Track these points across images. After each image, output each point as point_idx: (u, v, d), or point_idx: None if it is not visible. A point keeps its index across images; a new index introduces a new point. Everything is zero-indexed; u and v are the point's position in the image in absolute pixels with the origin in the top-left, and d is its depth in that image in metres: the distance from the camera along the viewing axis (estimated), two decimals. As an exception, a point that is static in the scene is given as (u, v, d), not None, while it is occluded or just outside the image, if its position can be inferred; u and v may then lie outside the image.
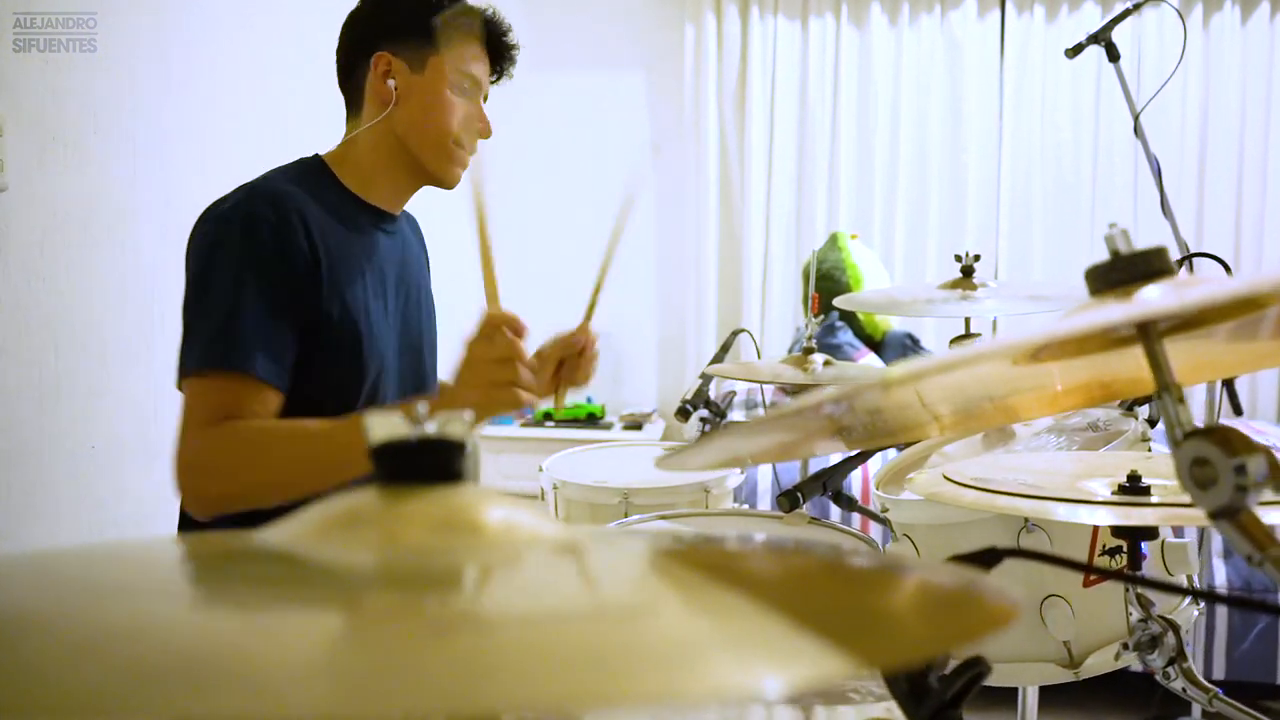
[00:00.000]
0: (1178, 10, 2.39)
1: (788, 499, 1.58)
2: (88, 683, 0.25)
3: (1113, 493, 0.94)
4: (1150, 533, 0.92)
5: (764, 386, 2.62)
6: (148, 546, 0.43)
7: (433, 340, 1.55)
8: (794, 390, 2.15)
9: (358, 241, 1.36)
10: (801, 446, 0.79)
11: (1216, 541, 2.70)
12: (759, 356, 2.33)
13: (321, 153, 1.42)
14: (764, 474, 2.78)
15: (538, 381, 1.40)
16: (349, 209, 1.38)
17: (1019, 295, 1.88)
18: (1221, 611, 2.63)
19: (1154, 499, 0.89)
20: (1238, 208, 3.77)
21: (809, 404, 0.63)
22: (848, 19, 3.84)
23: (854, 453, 1.70)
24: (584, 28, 3.97)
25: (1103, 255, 0.58)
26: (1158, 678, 0.92)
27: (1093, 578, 1.23)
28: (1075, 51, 2.25)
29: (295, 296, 1.25)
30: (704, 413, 2.00)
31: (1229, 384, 2.37)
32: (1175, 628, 0.91)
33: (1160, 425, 1.37)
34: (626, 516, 1.78)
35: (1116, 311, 0.52)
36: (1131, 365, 0.79)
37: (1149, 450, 1.32)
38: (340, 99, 1.44)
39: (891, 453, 1.82)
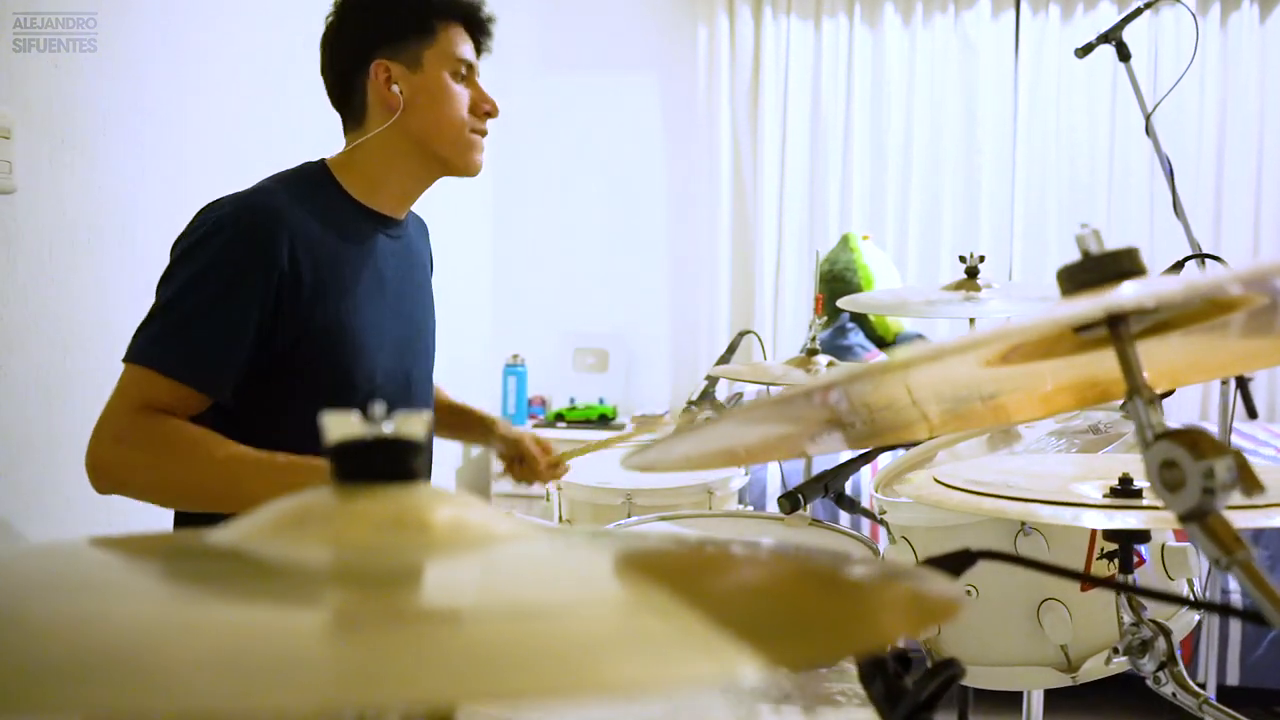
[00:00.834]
0: (1190, 10, 2.36)
1: (789, 501, 1.58)
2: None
3: (1104, 495, 0.93)
4: (1141, 536, 0.91)
5: (770, 388, 2.61)
6: (86, 545, 0.44)
7: (431, 346, 1.56)
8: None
9: (356, 249, 1.38)
10: (781, 448, 0.79)
11: (1231, 546, 2.68)
12: (765, 358, 2.33)
13: (327, 157, 1.43)
14: (772, 476, 2.77)
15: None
16: (349, 216, 1.39)
17: (1024, 296, 1.87)
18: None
19: (1145, 502, 0.89)
20: (1256, 208, 3.73)
21: (774, 399, 0.63)
22: (861, 19, 3.83)
23: (856, 454, 1.69)
24: (596, 29, 3.97)
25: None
26: (1148, 682, 0.91)
27: (1107, 576, 1.22)
28: (1085, 51, 2.23)
29: (262, 309, 1.27)
30: (710, 414, 2.00)
31: (1243, 386, 2.34)
32: (1166, 632, 0.90)
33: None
34: (629, 517, 1.78)
35: (1060, 310, 0.52)
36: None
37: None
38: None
39: (893, 455, 1.82)
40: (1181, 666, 0.88)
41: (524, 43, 3.95)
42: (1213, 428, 3.27)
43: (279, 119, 2.28)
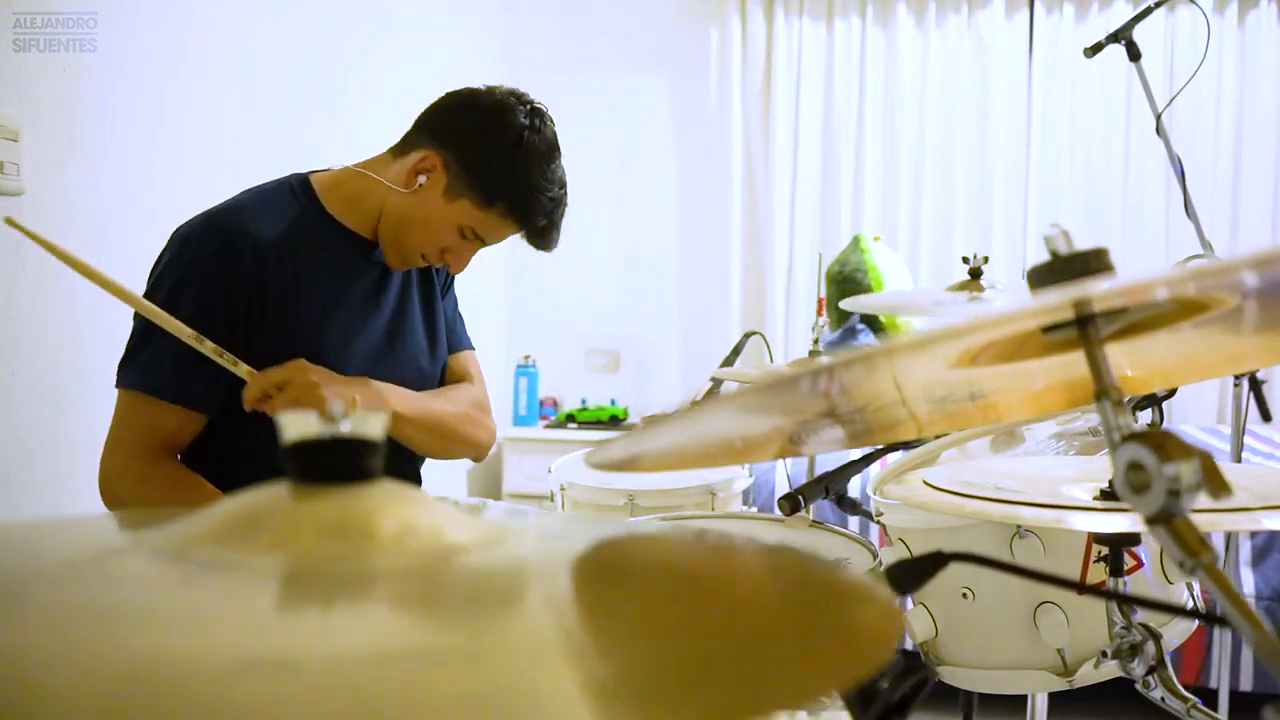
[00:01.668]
0: (1202, 9, 2.34)
1: (789, 502, 1.58)
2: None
3: (1094, 498, 0.92)
4: (1130, 539, 0.90)
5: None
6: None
7: (423, 361, 1.54)
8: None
9: (330, 266, 1.40)
10: (777, 441, 0.78)
11: (1245, 550, 2.64)
12: (771, 359, 2.32)
13: (313, 172, 1.46)
14: (779, 478, 2.77)
15: None
16: (325, 234, 1.42)
17: (1027, 296, 1.85)
18: (1249, 621, 2.58)
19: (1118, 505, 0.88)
20: (1274, 207, 3.69)
21: (763, 383, 0.62)
22: (873, 20, 3.82)
23: (858, 456, 1.69)
24: (608, 31, 3.98)
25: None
26: (1138, 686, 0.91)
27: (1097, 582, 1.21)
28: (1094, 50, 2.21)
29: (232, 325, 1.31)
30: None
31: (1257, 389, 2.32)
32: (1156, 636, 0.89)
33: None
34: (631, 517, 1.78)
35: (1020, 304, 0.52)
36: (1119, 366, 0.78)
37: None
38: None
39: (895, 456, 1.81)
40: (1170, 670, 0.87)
41: (536, 44, 3.96)
42: (1227, 430, 3.24)
43: (284, 119, 2.30)
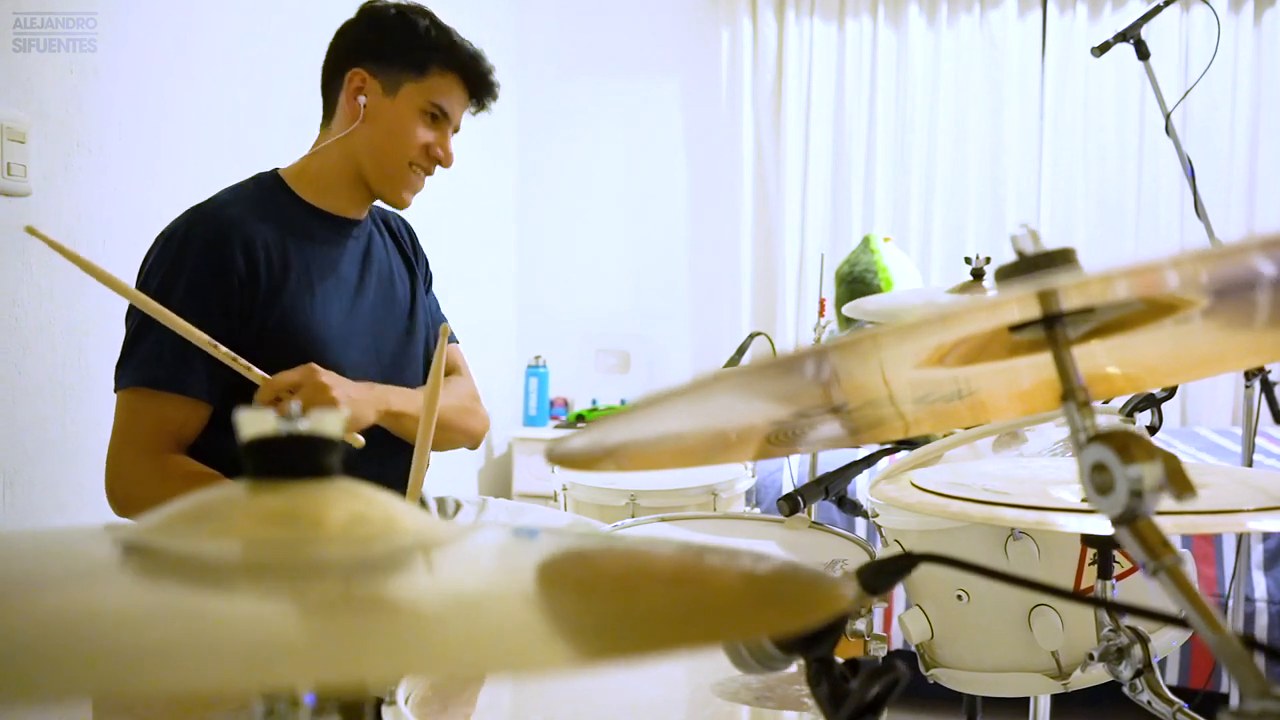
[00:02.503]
0: (1213, 9, 2.32)
1: (788, 503, 1.58)
2: None
3: (1082, 500, 0.92)
4: (1116, 542, 0.90)
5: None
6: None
7: (408, 338, 1.58)
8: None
9: (312, 251, 1.43)
10: (773, 432, 0.77)
11: (1256, 553, 2.62)
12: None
13: (281, 167, 1.50)
14: (786, 479, 2.76)
15: None
16: (304, 220, 1.45)
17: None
18: (1261, 624, 2.55)
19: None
20: (1290, 208, 3.65)
21: (752, 366, 0.62)
22: (885, 20, 3.80)
23: (859, 457, 1.69)
24: (619, 32, 3.98)
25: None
26: (1125, 690, 0.90)
27: (1084, 586, 1.21)
28: (1102, 50, 2.20)
29: (227, 314, 1.33)
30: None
31: (1268, 389, 2.30)
32: (1143, 639, 0.89)
33: (1160, 431, 1.34)
34: (632, 517, 1.79)
35: (982, 297, 0.51)
36: (1092, 364, 0.78)
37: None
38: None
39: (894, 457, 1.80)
40: (1157, 674, 0.87)
41: (546, 47, 3.97)
42: (1238, 431, 3.20)
43: (289, 117, 2.31)
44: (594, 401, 3.90)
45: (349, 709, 0.47)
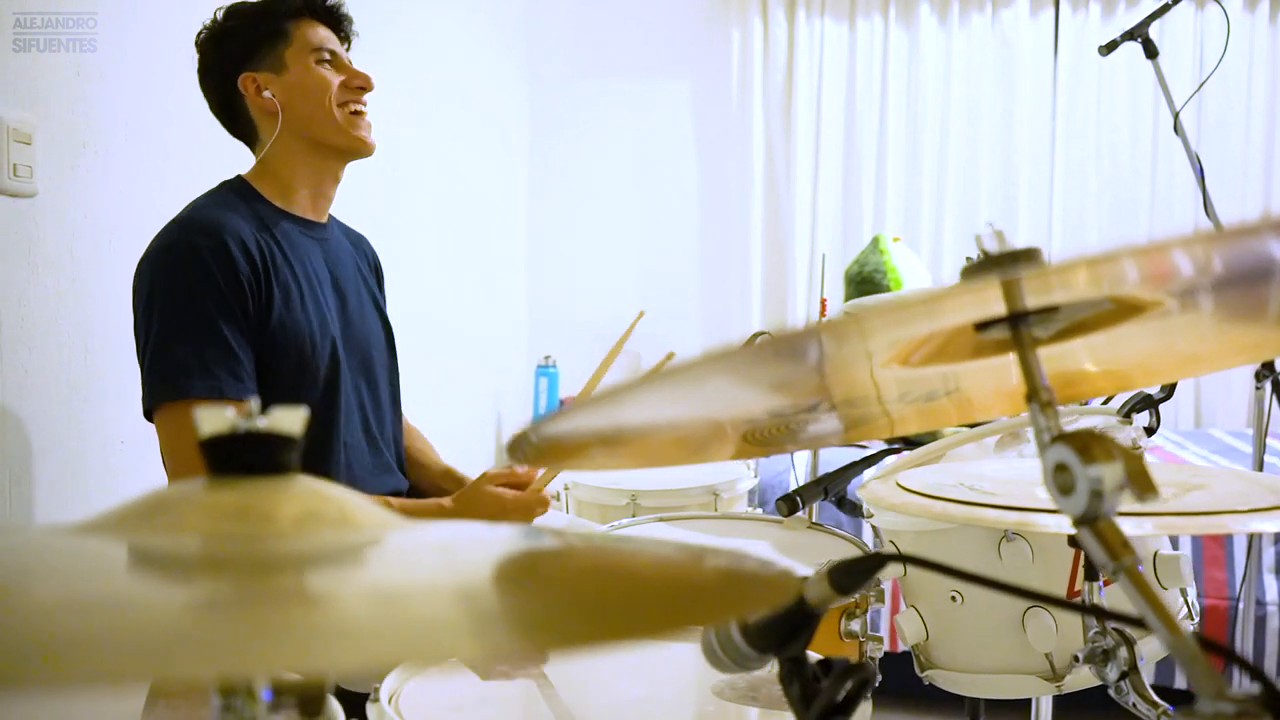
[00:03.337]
0: (1223, 7, 2.31)
1: (787, 503, 1.58)
2: None
3: (1069, 501, 0.91)
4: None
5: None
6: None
7: (380, 338, 1.63)
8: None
9: (294, 253, 1.46)
10: (771, 425, 0.77)
11: (1268, 556, 2.59)
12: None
13: (243, 173, 1.54)
14: (793, 480, 2.75)
15: None
16: (277, 221, 1.48)
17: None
18: (1272, 628, 2.53)
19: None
20: (1306, 209, 3.62)
21: (742, 346, 0.62)
22: (896, 19, 3.79)
23: (859, 457, 1.68)
24: (630, 33, 3.99)
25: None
26: (1111, 692, 0.89)
27: (1078, 588, 1.20)
28: (1109, 48, 2.19)
29: (244, 313, 1.35)
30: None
31: (1279, 390, 2.28)
32: (1129, 641, 0.88)
33: (1158, 432, 1.33)
34: (634, 517, 1.79)
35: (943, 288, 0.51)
36: (1073, 362, 0.77)
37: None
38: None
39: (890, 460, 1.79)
40: (1143, 676, 0.86)
41: (557, 47, 3.98)
42: (1249, 432, 3.17)
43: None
44: (604, 402, 3.90)
45: (307, 703, 0.48)
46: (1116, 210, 3.71)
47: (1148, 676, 0.85)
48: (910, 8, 3.79)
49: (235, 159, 2.12)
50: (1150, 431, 1.31)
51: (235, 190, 1.50)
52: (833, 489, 1.63)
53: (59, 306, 1.71)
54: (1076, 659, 0.93)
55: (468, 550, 0.42)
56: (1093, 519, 0.52)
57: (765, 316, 3.93)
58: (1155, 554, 1.21)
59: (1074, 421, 1.48)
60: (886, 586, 1.51)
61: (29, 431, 1.68)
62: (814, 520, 1.70)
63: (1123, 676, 0.87)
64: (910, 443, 2.39)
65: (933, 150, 3.79)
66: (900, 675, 1.72)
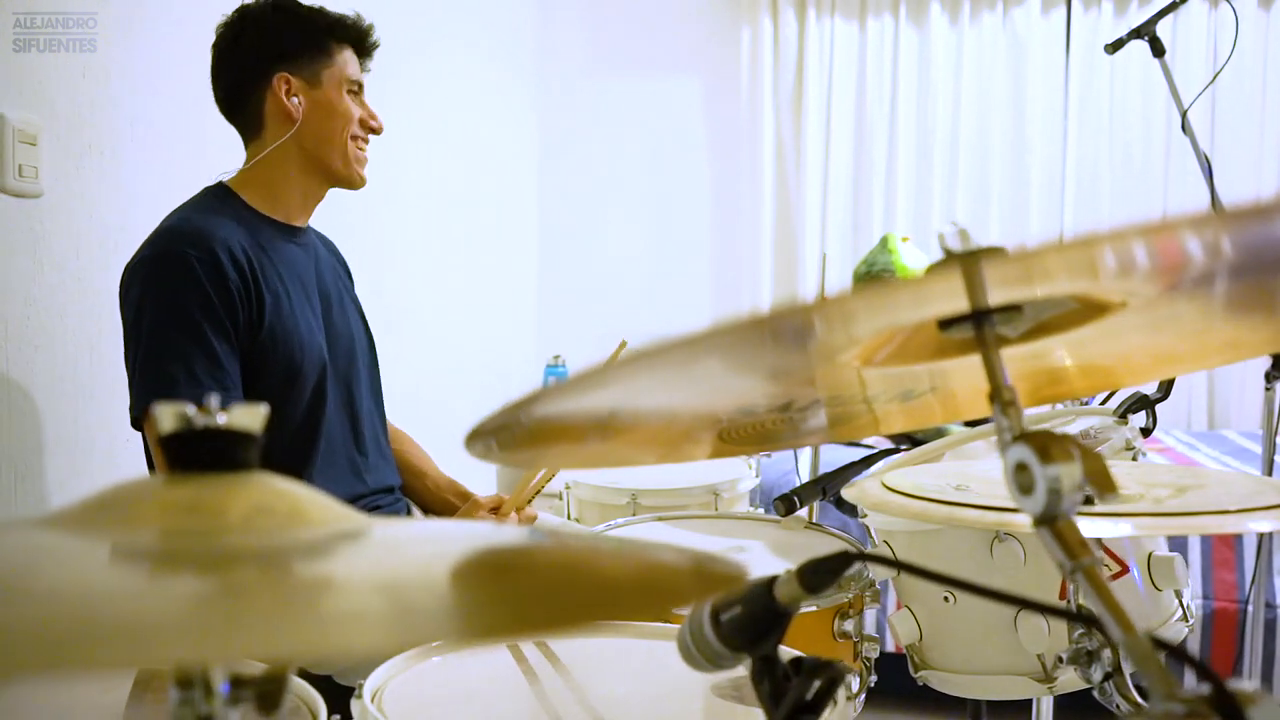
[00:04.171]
0: (1231, 5, 2.29)
1: (784, 503, 1.57)
2: None
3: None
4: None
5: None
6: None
7: (362, 338, 1.65)
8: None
9: (274, 256, 1.48)
10: (768, 418, 0.77)
11: (1278, 559, 2.57)
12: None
13: (224, 179, 1.55)
14: (795, 478, 2.75)
15: None
16: (261, 227, 1.50)
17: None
18: (1283, 631, 2.51)
19: (1090, 510, 0.87)
20: (1322, 208, 3.58)
21: (730, 326, 0.61)
22: (906, 18, 3.78)
23: (858, 458, 1.68)
24: (640, 31, 3.99)
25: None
26: (1095, 693, 0.89)
27: (1070, 589, 1.20)
28: (1116, 47, 2.17)
29: (234, 323, 1.37)
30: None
31: (1288, 385, 2.25)
32: (1114, 643, 0.88)
33: (1155, 433, 1.32)
34: (634, 516, 1.79)
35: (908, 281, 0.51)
36: (1059, 361, 0.77)
37: (1134, 459, 1.27)
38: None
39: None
40: (1126, 677, 0.86)
41: (568, 45, 3.99)
42: (1261, 433, 3.14)
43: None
44: (613, 401, 3.91)
45: (264, 697, 0.48)
46: (1129, 208, 3.68)
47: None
48: (921, 6, 3.78)
49: (238, 160, 2.14)
50: (1146, 432, 1.30)
51: (219, 197, 1.51)
52: (831, 489, 1.62)
53: (64, 305, 1.73)
54: (1061, 660, 0.93)
55: (413, 546, 0.43)
56: (1051, 518, 0.52)
57: (775, 316, 3.92)
58: (1150, 555, 1.20)
59: (1071, 422, 1.48)
60: (884, 587, 1.50)
61: (34, 428, 1.70)
62: (813, 520, 1.70)
63: (1107, 678, 0.86)
64: (915, 441, 2.38)
65: (943, 149, 3.78)
66: (900, 675, 1.72)
